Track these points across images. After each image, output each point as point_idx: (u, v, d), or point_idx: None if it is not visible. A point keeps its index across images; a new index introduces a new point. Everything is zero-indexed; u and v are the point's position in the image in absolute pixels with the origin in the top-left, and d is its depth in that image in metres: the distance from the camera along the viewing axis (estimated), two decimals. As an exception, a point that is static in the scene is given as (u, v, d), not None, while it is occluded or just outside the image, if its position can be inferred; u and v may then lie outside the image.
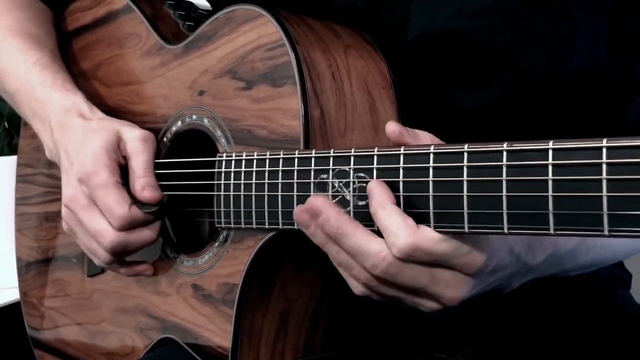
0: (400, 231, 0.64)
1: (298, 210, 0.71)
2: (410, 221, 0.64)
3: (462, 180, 0.60)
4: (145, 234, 0.90)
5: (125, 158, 0.92)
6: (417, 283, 0.66)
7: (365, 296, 0.71)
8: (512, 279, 0.73)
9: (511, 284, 0.74)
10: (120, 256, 0.92)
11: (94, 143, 0.90)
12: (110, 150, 0.90)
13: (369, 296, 0.71)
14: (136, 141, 0.91)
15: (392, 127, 0.70)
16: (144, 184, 0.89)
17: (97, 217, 0.89)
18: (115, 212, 0.87)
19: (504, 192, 0.58)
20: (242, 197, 0.80)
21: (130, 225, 0.88)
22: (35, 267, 1.18)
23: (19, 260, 1.22)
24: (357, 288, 0.71)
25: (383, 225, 0.65)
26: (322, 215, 0.68)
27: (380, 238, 0.66)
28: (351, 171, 0.69)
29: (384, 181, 0.66)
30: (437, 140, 0.72)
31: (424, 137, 0.71)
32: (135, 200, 0.88)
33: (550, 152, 0.55)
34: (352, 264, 0.69)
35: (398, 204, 0.65)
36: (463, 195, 0.60)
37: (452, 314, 0.70)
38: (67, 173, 0.92)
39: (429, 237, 0.64)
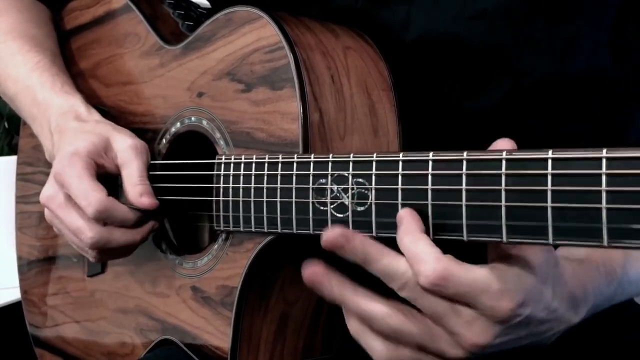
0: (430, 258, 0.59)
1: (325, 243, 0.65)
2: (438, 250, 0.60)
3: (462, 189, 0.60)
4: (129, 234, 0.87)
5: (114, 167, 0.90)
6: (434, 310, 0.61)
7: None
8: (550, 337, 0.66)
9: (547, 342, 0.66)
10: (107, 253, 0.89)
11: (78, 143, 0.88)
12: (92, 151, 0.88)
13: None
14: (128, 150, 0.89)
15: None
16: (141, 190, 0.87)
17: (74, 213, 0.87)
18: (89, 197, 0.84)
19: (503, 202, 0.57)
20: (240, 200, 0.80)
21: (107, 215, 0.85)
22: (36, 265, 1.18)
23: (19, 258, 1.22)
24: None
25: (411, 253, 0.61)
26: (347, 245, 0.64)
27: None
28: (350, 176, 0.68)
29: (414, 209, 0.63)
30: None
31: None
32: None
33: (550, 161, 0.55)
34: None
35: (397, 211, 0.64)
36: (462, 204, 0.60)
37: None
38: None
39: (458, 266, 0.59)
